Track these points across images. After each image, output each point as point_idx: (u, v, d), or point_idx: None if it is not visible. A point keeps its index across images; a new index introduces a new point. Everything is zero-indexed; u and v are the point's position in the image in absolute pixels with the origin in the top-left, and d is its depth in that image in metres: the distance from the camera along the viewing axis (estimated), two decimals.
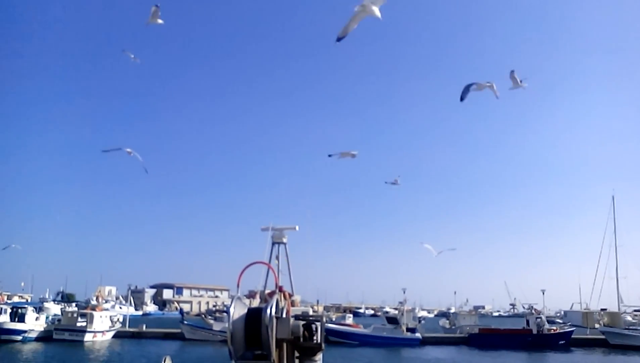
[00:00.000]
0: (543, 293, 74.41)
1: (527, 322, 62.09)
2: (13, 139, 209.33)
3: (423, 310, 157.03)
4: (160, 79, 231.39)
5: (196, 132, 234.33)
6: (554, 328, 61.96)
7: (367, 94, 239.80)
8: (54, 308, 77.67)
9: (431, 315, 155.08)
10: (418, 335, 58.83)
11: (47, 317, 59.63)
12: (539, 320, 60.48)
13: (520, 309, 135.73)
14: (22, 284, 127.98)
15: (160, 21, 26.61)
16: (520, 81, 26.02)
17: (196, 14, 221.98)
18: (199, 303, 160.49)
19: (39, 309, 62.08)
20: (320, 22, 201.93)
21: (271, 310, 5.85)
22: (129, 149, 38.02)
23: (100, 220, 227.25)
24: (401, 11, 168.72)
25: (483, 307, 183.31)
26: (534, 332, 59.50)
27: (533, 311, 67.24)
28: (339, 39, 19.73)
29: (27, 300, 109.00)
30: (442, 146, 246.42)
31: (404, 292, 66.13)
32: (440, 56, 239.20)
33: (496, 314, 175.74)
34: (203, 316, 74.79)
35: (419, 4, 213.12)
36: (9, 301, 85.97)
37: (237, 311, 5.97)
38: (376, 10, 18.19)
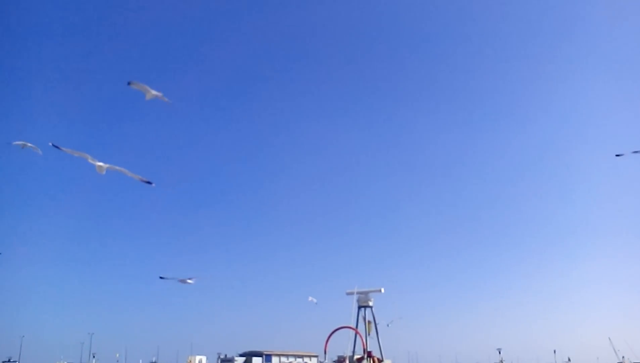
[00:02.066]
0: None
1: None
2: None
3: None
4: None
5: (281, 197, 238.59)
6: None
7: None
8: None
9: None
10: None
11: None
12: None
13: None
14: (117, 355, 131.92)
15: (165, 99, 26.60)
16: None
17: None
18: None
19: None
20: None
21: None
22: (189, 280, 37.56)
23: (187, 288, 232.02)
24: None
25: None
26: None
27: None
28: None
29: None
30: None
31: (500, 352, 63.31)
32: None
33: None
34: None
35: None
36: None
37: None
38: None
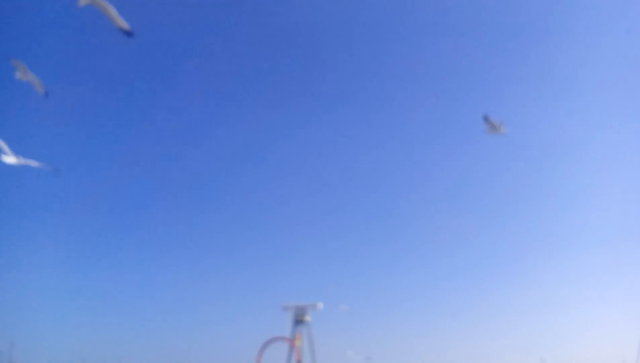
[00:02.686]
0: None
1: None
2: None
3: None
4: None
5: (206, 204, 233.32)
6: None
7: None
8: None
9: None
10: None
11: None
12: None
13: None
14: None
15: None
16: (499, 126, 25.37)
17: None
18: None
19: None
20: None
21: None
22: (28, 161, 32.91)
23: (116, 300, 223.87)
24: None
25: None
26: None
27: None
28: None
29: None
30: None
31: None
32: None
33: None
34: None
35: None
36: None
37: None
38: None
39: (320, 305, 48.74)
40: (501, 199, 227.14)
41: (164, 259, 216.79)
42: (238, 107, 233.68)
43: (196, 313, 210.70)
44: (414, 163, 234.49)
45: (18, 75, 23.19)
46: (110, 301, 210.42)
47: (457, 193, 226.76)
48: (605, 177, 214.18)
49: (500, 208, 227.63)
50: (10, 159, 21.30)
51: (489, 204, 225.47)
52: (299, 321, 48.78)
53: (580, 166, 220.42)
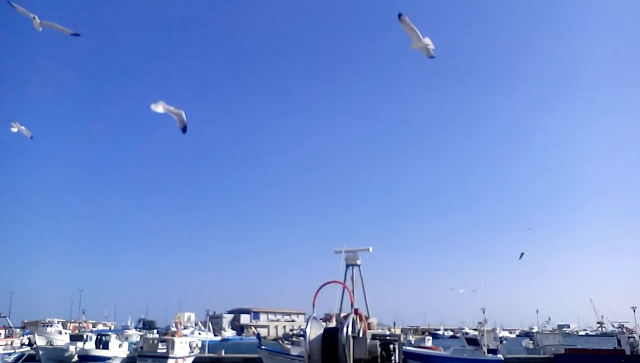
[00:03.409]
0: (634, 311, 70.10)
1: (619, 341, 58.51)
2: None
3: (504, 330, 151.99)
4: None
5: (267, 156, 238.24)
6: None
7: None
8: (136, 335, 79.61)
9: (513, 336, 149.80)
10: (500, 356, 56.49)
11: (129, 344, 61.09)
12: (632, 339, 56.75)
13: (609, 328, 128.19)
14: (106, 312, 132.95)
15: None
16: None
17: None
18: (276, 327, 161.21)
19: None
20: None
21: (347, 330, 5.57)
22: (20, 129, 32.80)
23: (176, 247, 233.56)
24: None
25: (568, 326, 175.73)
26: (627, 352, 55.94)
27: (624, 330, 63.12)
28: None
29: (110, 328, 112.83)
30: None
31: (484, 312, 63.65)
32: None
33: (582, 333, 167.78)
34: (280, 340, 74.67)
35: None
36: (93, 329, 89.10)
37: (314, 331, 5.72)
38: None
39: (370, 249, 49.58)
40: None
41: (232, 213, 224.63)
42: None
43: (261, 260, 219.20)
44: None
45: None
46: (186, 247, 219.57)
47: None
48: None
49: None
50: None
51: None
52: (350, 264, 49.81)
53: None
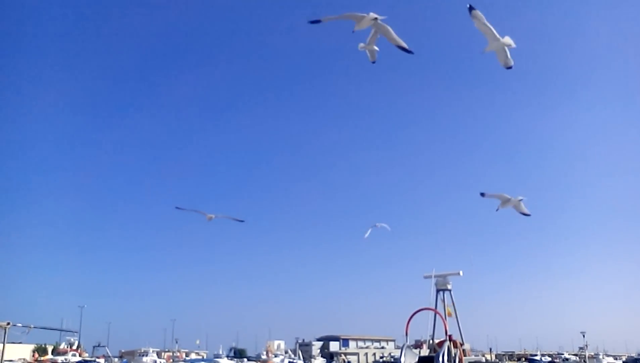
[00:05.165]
0: None
1: None
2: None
3: (608, 355, 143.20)
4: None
5: (354, 180, 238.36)
6: None
7: None
8: None
9: (618, 362, 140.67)
10: None
11: None
12: None
13: None
14: (198, 341, 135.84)
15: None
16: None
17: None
18: (366, 354, 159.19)
19: None
20: None
21: (443, 358, 5.28)
22: (210, 215, 35.55)
23: (262, 273, 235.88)
24: None
25: None
26: None
27: None
28: None
29: (203, 357, 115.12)
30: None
31: (584, 336, 60.41)
32: None
33: None
34: None
35: None
36: (186, 358, 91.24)
37: (408, 360, 5.44)
38: None
39: (461, 273, 48.23)
40: None
41: (320, 236, 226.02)
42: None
43: (349, 285, 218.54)
44: None
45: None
46: (275, 273, 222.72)
47: None
48: None
49: None
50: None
51: None
52: (440, 289, 48.61)
53: None
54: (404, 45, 20.71)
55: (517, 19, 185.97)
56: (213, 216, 31.31)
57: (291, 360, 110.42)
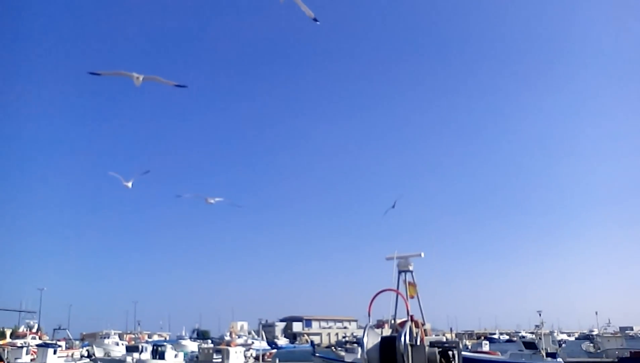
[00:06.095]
0: None
1: None
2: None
3: (562, 333, 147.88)
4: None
5: (317, 161, 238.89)
6: None
7: None
8: (191, 345, 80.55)
9: (571, 339, 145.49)
10: (560, 360, 54.75)
11: (184, 354, 61.92)
12: None
13: None
14: (160, 323, 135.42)
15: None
16: None
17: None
18: (328, 334, 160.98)
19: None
20: None
21: (405, 338, 5.38)
22: (212, 200, 35.71)
23: (227, 255, 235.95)
24: None
25: (631, 328, 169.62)
26: None
27: None
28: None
29: (165, 338, 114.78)
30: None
31: (540, 314, 61.84)
32: None
33: None
34: (333, 348, 74.37)
35: None
36: (149, 340, 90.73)
37: (371, 340, 5.49)
38: None
39: (422, 255, 49.03)
40: None
41: (283, 219, 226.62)
42: None
43: (311, 267, 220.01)
44: None
45: None
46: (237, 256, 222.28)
47: None
48: None
49: None
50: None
51: None
52: (402, 271, 49.34)
53: None
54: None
55: None
56: (212, 201, 31.45)
57: (255, 340, 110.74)
